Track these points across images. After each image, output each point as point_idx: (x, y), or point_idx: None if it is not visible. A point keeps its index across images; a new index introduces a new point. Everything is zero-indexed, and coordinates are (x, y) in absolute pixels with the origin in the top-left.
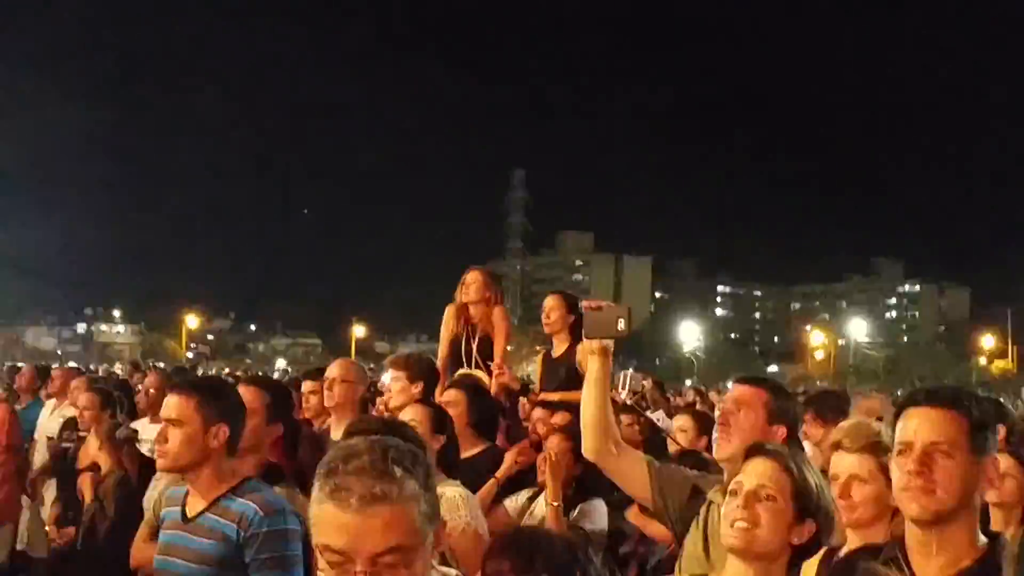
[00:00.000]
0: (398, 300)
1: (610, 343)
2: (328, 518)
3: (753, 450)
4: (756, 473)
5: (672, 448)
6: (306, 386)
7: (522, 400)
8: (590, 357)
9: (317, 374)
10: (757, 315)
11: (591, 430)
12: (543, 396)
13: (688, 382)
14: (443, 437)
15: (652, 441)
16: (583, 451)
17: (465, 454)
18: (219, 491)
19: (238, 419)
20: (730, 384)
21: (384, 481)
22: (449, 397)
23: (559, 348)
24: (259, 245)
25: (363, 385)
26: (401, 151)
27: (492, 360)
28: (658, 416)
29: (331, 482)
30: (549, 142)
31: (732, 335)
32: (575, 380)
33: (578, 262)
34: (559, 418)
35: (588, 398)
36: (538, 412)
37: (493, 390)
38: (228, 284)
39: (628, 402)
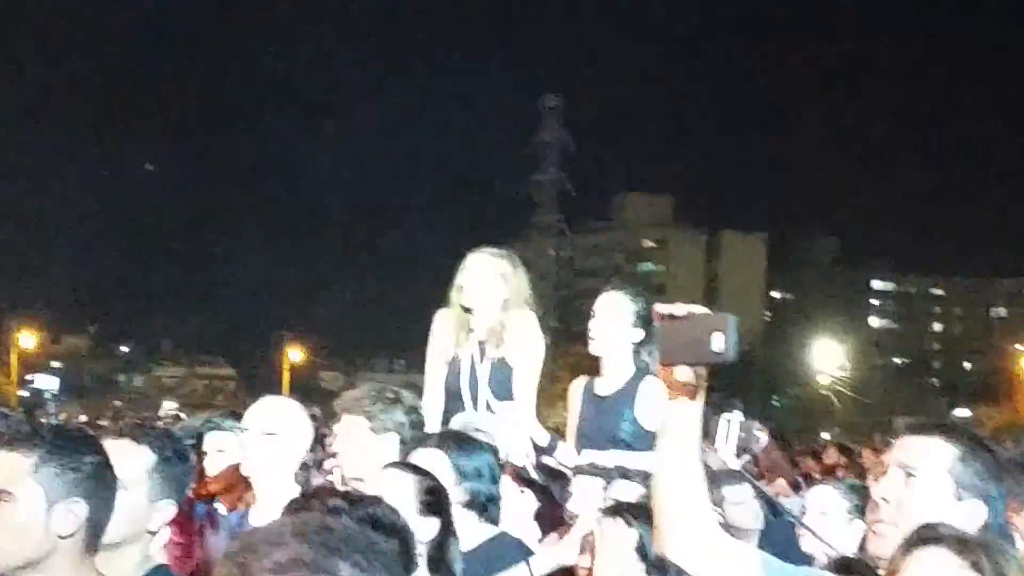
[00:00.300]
0: (357, 307)
1: (701, 372)
2: None
3: (921, 537)
4: (930, 571)
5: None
6: (210, 443)
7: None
8: (670, 396)
9: (230, 424)
10: (936, 327)
11: (670, 513)
12: (591, 454)
13: (826, 435)
14: (436, 521)
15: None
16: (656, 545)
17: (466, 545)
18: None
19: (104, 496)
20: (897, 438)
21: None
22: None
23: (613, 379)
24: (130, 228)
25: (304, 438)
26: (360, 74)
27: (511, 399)
28: (777, 490)
29: None
30: (599, 60)
31: (896, 359)
32: (635, 434)
33: (647, 242)
34: (622, 492)
35: (667, 463)
36: (583, 483)
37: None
38: (83, 285)
39: (737, 465)
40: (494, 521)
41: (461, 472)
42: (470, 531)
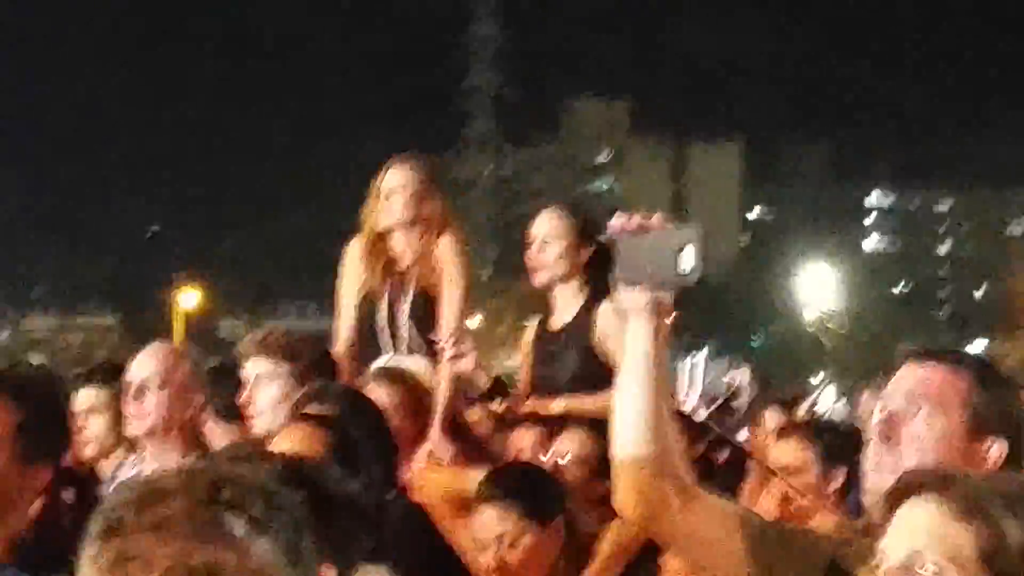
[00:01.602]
0: (261, 243)
1: (665, 296)
2: None
3: (909, 486)
4: (913, 531)
5: (781, 505)
6: (84, 399)
7: (489, 409)
8: (631, 323)
9: (107, 377)
10: (942, 248)
11: (632, 463)
12: (533, 404)
13: (815, 379)
14: (354, 479)
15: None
16: (616, 504)
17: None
18: None
19: None
20: (898, 370)
21: (211, 543)
22: (377, 397)
23: (564, 311)
24: None
25: (200, 391)
26: None
27: (437, 337)
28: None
29: (111, 547)
30: None
31: (896, 288)
32: (594, 373)
33: (600, 155)
34: (569, 444)
35: (628, 402)
36: (525, 434)
37: (443, 390)
38: None
39: (703, 416)
40: None
41: None
42: None
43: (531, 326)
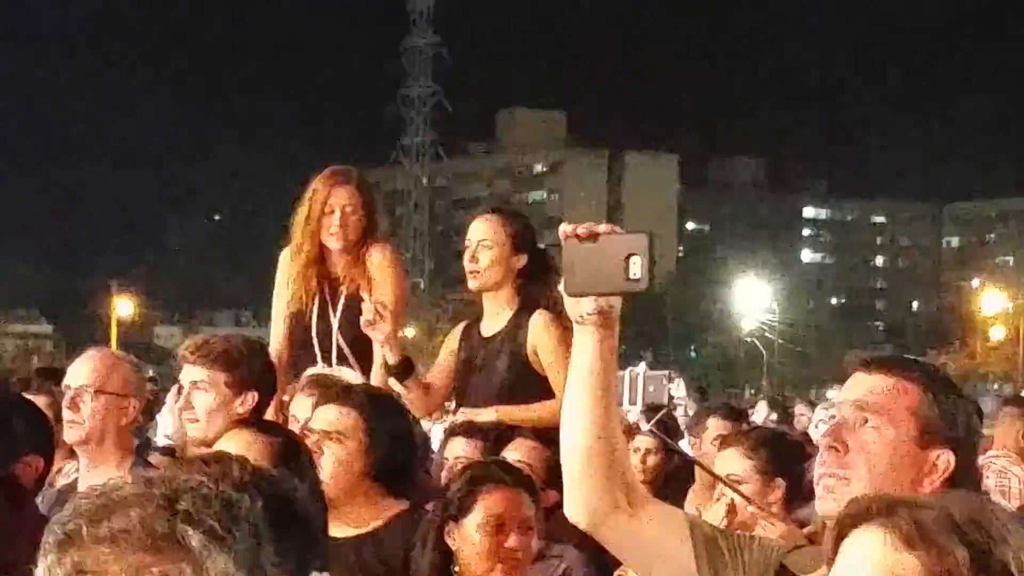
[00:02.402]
0: (197, 251)
1: (614, 303)
2: None
3: (855, 516)
4: (860, 561)
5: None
6: None
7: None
8: (578, 332)
9: (42, 382)
10: (879, 260)
11: (583, 471)
12: (466, 412)
13: (753, 390)
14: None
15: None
16: (566, 511)
17: (357, 527)
18: None
19: None
20: (842, 383)
21: (167, 555)
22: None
23: (495, 318)
24: None
25: (138, 397)
26: None
27: (370, 356)
28: (695, 443)
29: (67, 559)
30: None
31: (834, 299)
32: (526, 382)
33: (538, 165)
34: (518, 453)
35: (576, 411)
36: (462, 443)
37: (375, 374)
38: None
39: (644, 425)
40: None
41: None
42: None
43: (456, 330)
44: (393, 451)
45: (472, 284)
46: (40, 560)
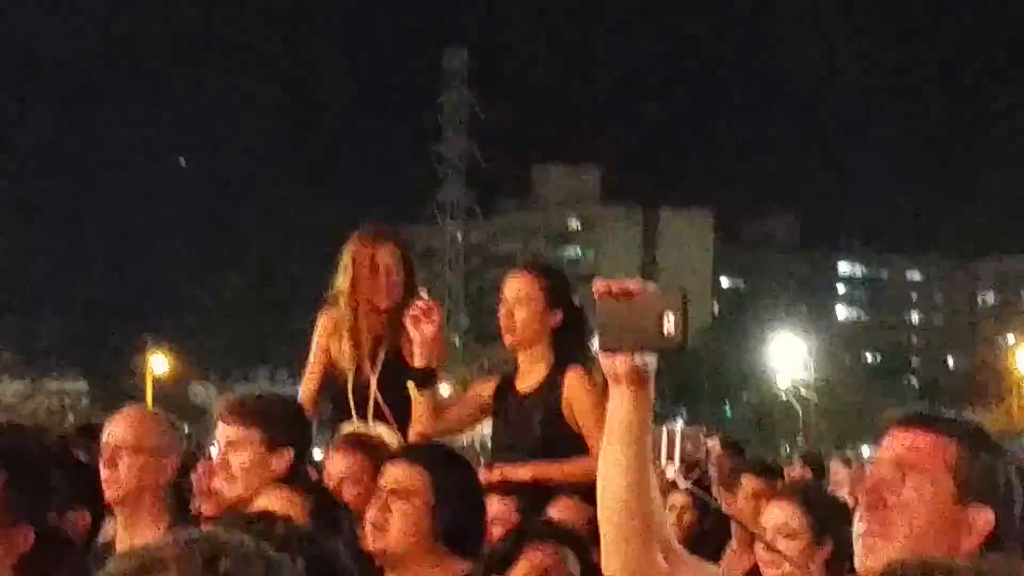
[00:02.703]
0: (232, 308)
1: (649, 360)
2: None
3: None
4: None
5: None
6: None
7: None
8: (613, 389)
9: (81, 440)
10: (915, 317)
11: (619, 529)
12: (500, 469)
13: (788, 447)
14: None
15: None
16: (605, 569)
17: None
18: None
19: None
20: (878, 440)
21: None
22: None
23: (530, 375)
24: None
25: (174, 455)
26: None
27: (407, 413)
28: (734, 505)
29: None
30: (512, 6)
31: (869, 356)
32: (561, 439)
33: (572, 222)
34: (562, 512)
35: (613, 468)
36: (493, 503)
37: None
38: None
39: (681, 483)
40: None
41: None
42: None
43: (490, 383)
44: (460, 510)
45: (508, 341)
46: None
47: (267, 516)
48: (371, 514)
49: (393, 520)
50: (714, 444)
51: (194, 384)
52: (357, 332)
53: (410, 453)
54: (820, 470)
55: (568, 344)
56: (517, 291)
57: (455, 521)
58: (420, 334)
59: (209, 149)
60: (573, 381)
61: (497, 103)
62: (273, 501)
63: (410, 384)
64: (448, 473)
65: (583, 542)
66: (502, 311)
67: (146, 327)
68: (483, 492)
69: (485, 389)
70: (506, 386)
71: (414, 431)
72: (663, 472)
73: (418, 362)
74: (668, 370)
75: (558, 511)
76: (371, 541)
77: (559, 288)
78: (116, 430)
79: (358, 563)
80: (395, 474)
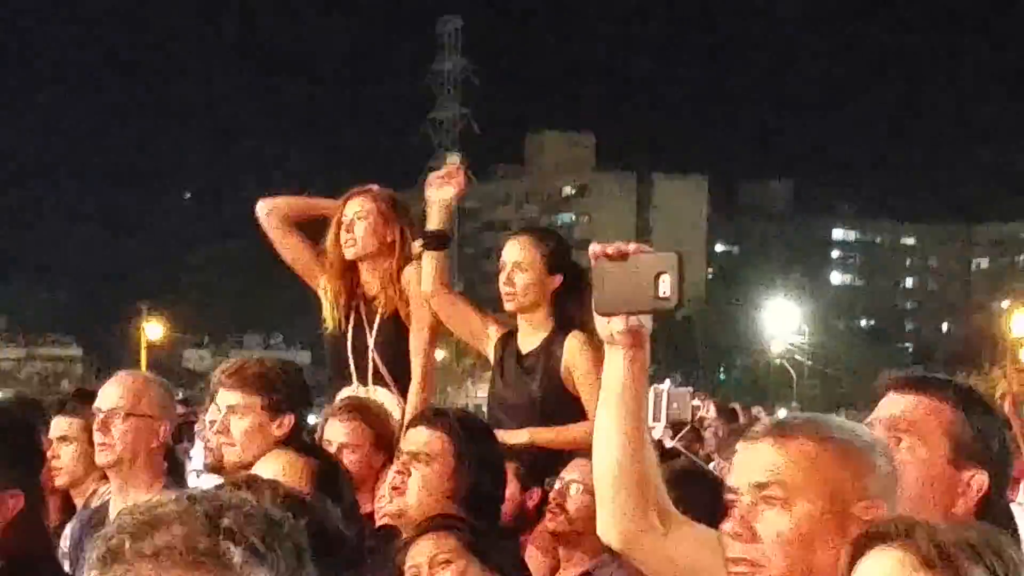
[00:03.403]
0: (226, 273)
1: (644, 322)
2: None
3: (873, 535)
4: None
5: None
6: (56, 428)
7: None
8: (608, 351)
9: (77, 404)
10: (908, 282)
11: (614, 491)
12: (503, 435)
13: (782, 411)
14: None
15: (715, 510)
16: (599, 530)
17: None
18: None
19: None
20: (872, 405)
21: (209, 571)
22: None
23: (530, 338)
24: None
25: (168, 419)
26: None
27: (407, 376)
28: (724, 466)
29: (110, 575)
30: None
31: (863, 321)
32: (559, 401)
33: (566, 188)
34: (577, 473)
35: (607, 430)
36: None
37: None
38: None
39: (668, 442)
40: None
41: None
42: None
43: (498, 328)
44: (480, 478)
45: (508, 306)
46: (85, 574)
47: (258, 480)
48: (390, 476)
49: (412, 483)
50: (709, 409)
51: (188, 350)
52: (337, 288)
53: (432, 417)
54: None
55: (568, 308)
56: (517, 255)
57: (474, 486)
58: (438, 195)
59: (204, 115)
60: (573, 345)
61: (491, 70)
62: (275, 465)
63: (415, 245)
64: (470, 438)
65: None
66: (502, 276)
67: (141, 294)
68: (503, 459)
69: (491, 328)
70: (507, 345)
71: (433, 287)
72: (650, 432)
73: (429, 223)
74: (663, 335)
75: (576, 473)
76: (389, 503)
77: (559, 252)
78: (109, 395)
79: (357, 529)
80: (417, 438)
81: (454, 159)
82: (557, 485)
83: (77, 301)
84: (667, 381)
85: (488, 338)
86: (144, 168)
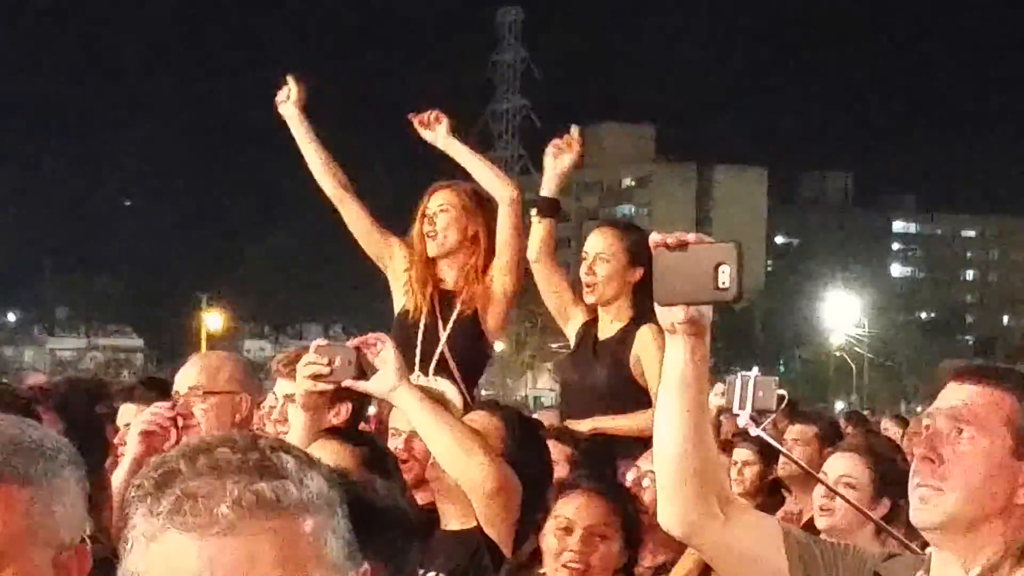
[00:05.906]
0: (286, 263)
1: (704, 312)
2: (170, 556)
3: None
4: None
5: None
6: (124, 415)
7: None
8: (669, 341)
9: (148, 390)
10: (969, 274)
11: (675, 479)
12: (570, 424)
13: (840, 404)
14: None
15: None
16: (661, 519)
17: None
18: None
19: None
20: (932, 398)
21: (269, 478)
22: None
23: (608, 329)
24: (15, 176)
25: (248, 392)
26: None
27: (475, 373)
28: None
29: (170, 493)
30: None
31: (923, 313)
32: (625, 391)
33: (626, 180)
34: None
35: (668, 419)
36: (555, 450)
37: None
38: None
39: (753, 430)
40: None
41: None
42: None
43: (584, 319)
44: (526, 465)
45: (588, 297)
46: (137, 509)
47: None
48: None
49: None
50: (783, 395)
51: (248, 340)
52: (422, 274)
53: (490, 407)
54: (866, 427)
55: (647, 301)
56: (600, 246)
57: (521, 474)
58: (556, 165)
59: (263, 107)
60: (645, 336)
61: (551, 62)
62: (325, 452)
63: (533, 212)
64: (525, 433)
65: (624, 494)
66: (583, 267)
67: (201, 284)
68: (549, 453)
69: (579, 311)
70: (587, 332)
71: (538, 254)
72: (735, 419)
73: (544, 190)
74: (722, 327)
75: (649, 461)
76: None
77: (642, 245)
78: (186, 377)
79: (403, 511)
80: (471, 416)
81: (575, 130)
82: (631, 476)
83: (137, 292)
84: (755, 368)
85: (572, 319)
86: (207, 156)
